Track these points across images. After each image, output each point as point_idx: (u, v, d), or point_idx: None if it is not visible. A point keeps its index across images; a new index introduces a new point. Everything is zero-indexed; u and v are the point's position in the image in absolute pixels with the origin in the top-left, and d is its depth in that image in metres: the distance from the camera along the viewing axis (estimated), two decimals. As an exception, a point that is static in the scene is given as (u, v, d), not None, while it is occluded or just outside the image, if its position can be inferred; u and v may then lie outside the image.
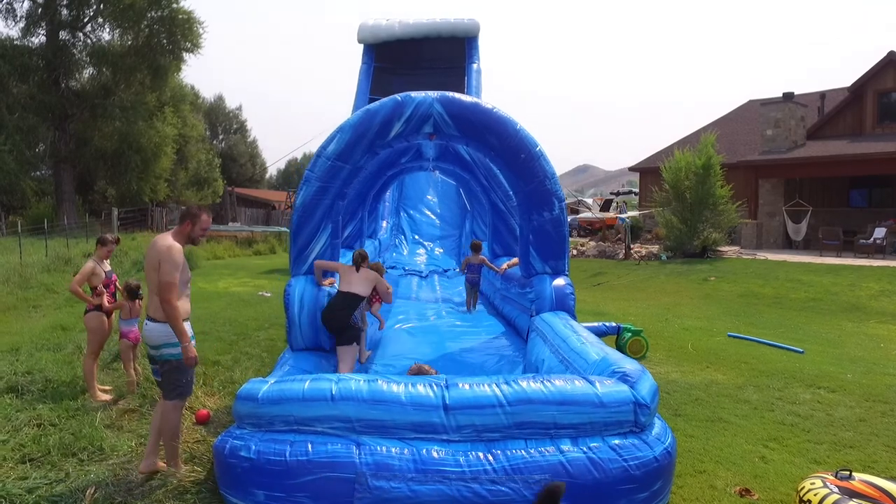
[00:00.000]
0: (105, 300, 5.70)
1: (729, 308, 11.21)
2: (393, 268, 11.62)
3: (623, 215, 21.85)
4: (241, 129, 52.90)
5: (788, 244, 19.32)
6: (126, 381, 5.74)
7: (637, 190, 29.51)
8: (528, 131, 5.46)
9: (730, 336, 8.66)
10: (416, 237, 13.35)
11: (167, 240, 3.89)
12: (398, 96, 5.30)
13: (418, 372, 5.04)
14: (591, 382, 3.47)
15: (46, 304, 10.48)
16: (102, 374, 6.06)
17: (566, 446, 3.25)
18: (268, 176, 56.81)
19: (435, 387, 3.38)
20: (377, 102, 5.42)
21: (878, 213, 18.39)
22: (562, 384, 3.41)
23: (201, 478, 3.91)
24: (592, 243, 20.88)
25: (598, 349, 4.17)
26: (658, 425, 3.58)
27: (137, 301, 5.87)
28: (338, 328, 5.09)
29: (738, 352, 7.66)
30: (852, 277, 12.72)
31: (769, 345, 8.09)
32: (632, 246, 18.85)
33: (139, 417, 5.05)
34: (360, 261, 5.38)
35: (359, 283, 5.27)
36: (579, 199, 30.99)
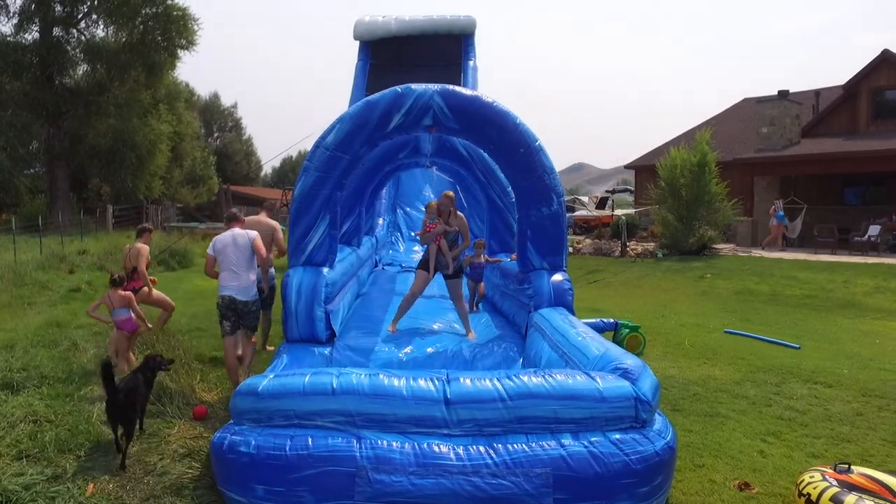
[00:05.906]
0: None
1: (725, 305, 11.23)
2: (390, 265, 11.59)
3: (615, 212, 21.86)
4: (236, 127, 52.76)
5: (783, 242, 19.36)
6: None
7: (632, 188, 29.58)
8: (527, 125, 5.45)
9: (726, 332, 8.67)
10: (413, 234, 13.32)
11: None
12: (398, 88, 5.28)
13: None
14: (592, 378, 3.45)
15: (41, 301, 10.40)
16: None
17: (567, 440, 3.25)
18: (263, 174, 56.71)
19: (436, 381, 3.36)
20: (377, 94, 5.39)
21: (872, 210, 18.45)
22: (563, 379, 3.40)
23: (198, 474, 3.89)
24: (588, 241, 20.90)
25: (598, 344, 4.16)
26: (659, 420, 3.57)
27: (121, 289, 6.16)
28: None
29: (735, 348, 7.67)
30: (847, 274, 12.77)
31: (766, 341, 8.10)
32: (628, 243, 18.87)
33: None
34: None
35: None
36: (575, 197, 31.06)
